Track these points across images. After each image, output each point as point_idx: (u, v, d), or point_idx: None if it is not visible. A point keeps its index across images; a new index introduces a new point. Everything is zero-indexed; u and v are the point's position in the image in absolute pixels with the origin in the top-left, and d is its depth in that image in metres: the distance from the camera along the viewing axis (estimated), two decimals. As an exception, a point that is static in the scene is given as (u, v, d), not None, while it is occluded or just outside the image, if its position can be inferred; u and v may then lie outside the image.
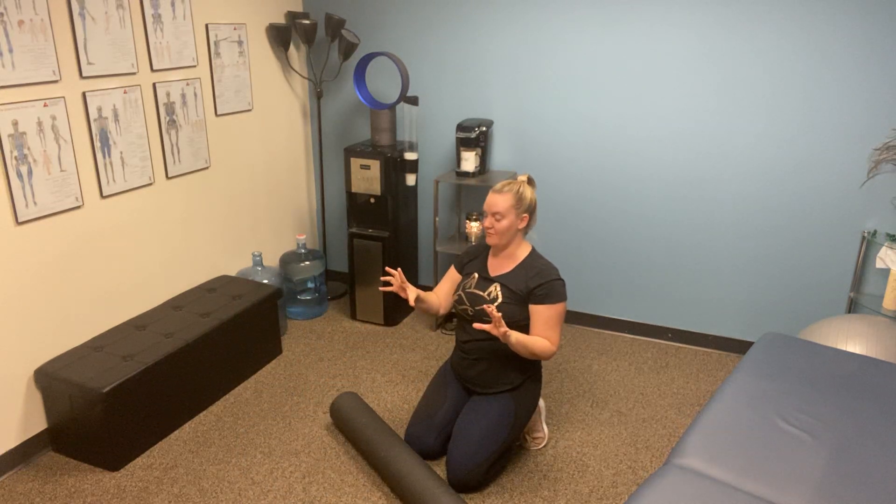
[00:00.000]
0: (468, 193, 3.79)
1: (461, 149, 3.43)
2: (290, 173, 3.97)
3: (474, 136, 3.40)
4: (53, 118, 2.52)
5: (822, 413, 2.05)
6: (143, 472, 2.57)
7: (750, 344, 3.44)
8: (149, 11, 2.86)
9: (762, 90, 3.07)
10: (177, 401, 2.80)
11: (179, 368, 2.78)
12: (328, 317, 3.87)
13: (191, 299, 3.16)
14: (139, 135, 2.90)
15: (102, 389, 2.45)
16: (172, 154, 3.09)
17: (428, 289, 4.02)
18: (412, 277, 3.94)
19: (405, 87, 3.45)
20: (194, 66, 3.15)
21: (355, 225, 3.69)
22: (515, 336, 2.30)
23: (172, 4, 2.97)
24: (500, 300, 2.47)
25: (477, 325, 2.26)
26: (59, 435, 2.64)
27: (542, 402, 2.78)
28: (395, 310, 3.76)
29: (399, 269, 2.47)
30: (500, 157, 3.65)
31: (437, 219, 3.58)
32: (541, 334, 2.42)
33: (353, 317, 3.82)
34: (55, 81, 2.51)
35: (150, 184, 3.00)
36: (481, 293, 2.51)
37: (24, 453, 2.60)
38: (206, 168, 3.31)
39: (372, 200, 3.60)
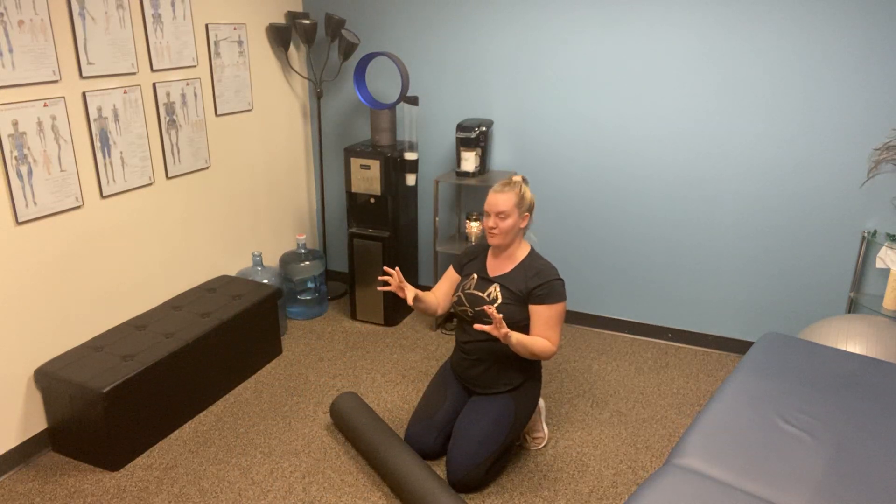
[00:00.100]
0: (468, 193, 3.79)
1: (461, 149, 3.43)
2: (290, 173, 3.97)
3: (474, 136, 3.40)
4: (53, 118, 2.52)
5: (822, 413, 2.05)
6: (143, 472, 2.57)
7: (750, 344, 3.44)
8: (149, 11, 2.86)
9: (762, 90, 3.07)
10: (177, 401, 2.80)
11: (179, 368, 2.78)
12: (328, 317, 3.87)
13: (191, 299, 3.16)
14: (139, 135, 2.90)
15: (102, 389, 2.45)
16: (172, 154, 3.09)
17: (427, 289, 4.02)
18: (412, 277, 3.94)
19: (405, 87, 3.45)
20: (194, 66, 3.15)
21: (355, 225, 3.69)
22: (516, 337, 2.30)
23: (172, 4, 2.97)
24: (499, 301, 2.46)
25: (477, 326, 2.25)
26: (59, 435, 2.64)
27: (542, 402, 2.78)
28: (395, 310, 3.76)
29: (397, 268, 2.46)
30: (500, 157, 3.65)
31: (437, 219, 3.58)
32: (541, 334, 2.41)
33: (353, 317, 3.82)
34: (55, 81, 2.51)
35: (150, 184, 3.00)
36: (481, 294, 2.51)
37: (24, 453, 2.60)
38: (206, 168, 3.31)
39: (372, 200, 3.60)
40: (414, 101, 3.53)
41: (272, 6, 3.61)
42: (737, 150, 3.18)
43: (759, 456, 1.85)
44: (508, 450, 2.55)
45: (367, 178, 3.53)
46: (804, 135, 3.06)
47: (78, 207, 2.68)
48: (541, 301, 2.42)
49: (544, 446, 2.72)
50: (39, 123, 2.47)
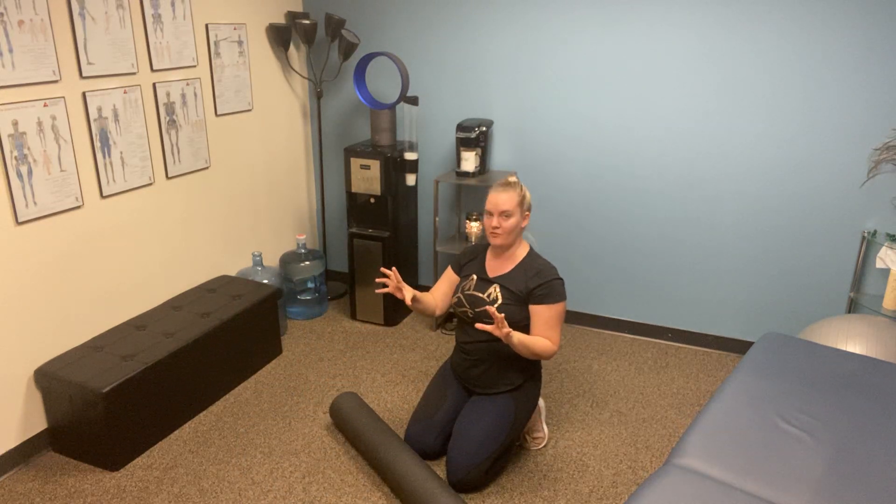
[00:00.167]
0: (468, 193, 3.79)
1: (461, 149, 3.43)
2: (290, 173, 3.97)
3: (474, 136, 3.40)
4: (53, 118, 2.52)
5: (822, 413, 2.05)
6: (143, 472, 2.57)
7: (750, 344, 3.44)
8: (149, 11, 2.86)
9: (762, 90, 3.07)
10: (177, 401, 2.80)
11: (179, 368, 2.78)
12: (328, 317, 3.87)
13: (191, 299, 3.16)
14: (139, 135, 2.90)
15: (102, 389, 2.45)
16: (172, 154, 3.09)
17: (427, 289, 4.02)
18: (412, 277, 3.94)
19: (405, 87, 3.45)
20: (194, 66, 3.15)
21: (355, 225, 3.69)
22: (517, 336, 2.30)
23: (172, 4, 2.97)
24: (499, 301, 2.46)
25: (479, 326, 2.25)
26: (59, 435, 2.64)
27: (542, 402, 2.78)
28: (395, 310, 3.76)
29: (394, 268, 2.46)
30: (500, 157, 3.65)
31: (437, 219, 3.58)
32: (542, 334, 2.41)
33: (353, 317, 3.82)
34: (55, 81, 2.51)
35: (150, 184, 3.00)
36: (481, 295, 2.51)
37: (24, 453, 2.60)
38: (206, 168, 3.31)
39: (372, 200, 3.60)
40: (414, 101, 3.53)
41: (272, 6, 3.61)
42: (737, 150, 3.18)
43: (759, 456, 1.85)
44: (508, 450, 2.55)
45: (367, 178, 3.53)
46: (804, 135, 3.06)
47: (78, 207, 2.68)
48: (541, 301, 2.42)
49: (544, 446, 2.72)
50: (39, 123, 2.47)
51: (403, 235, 3.74)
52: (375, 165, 3.48)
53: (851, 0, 2.82)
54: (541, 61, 3.41)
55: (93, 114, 2.67)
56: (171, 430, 2.80)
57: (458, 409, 2.60)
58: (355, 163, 3.53)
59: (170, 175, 3.09)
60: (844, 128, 2.98)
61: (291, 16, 3.69)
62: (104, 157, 2.76)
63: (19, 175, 2.43)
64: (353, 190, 3.59)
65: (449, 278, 2.67)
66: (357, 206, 3.65)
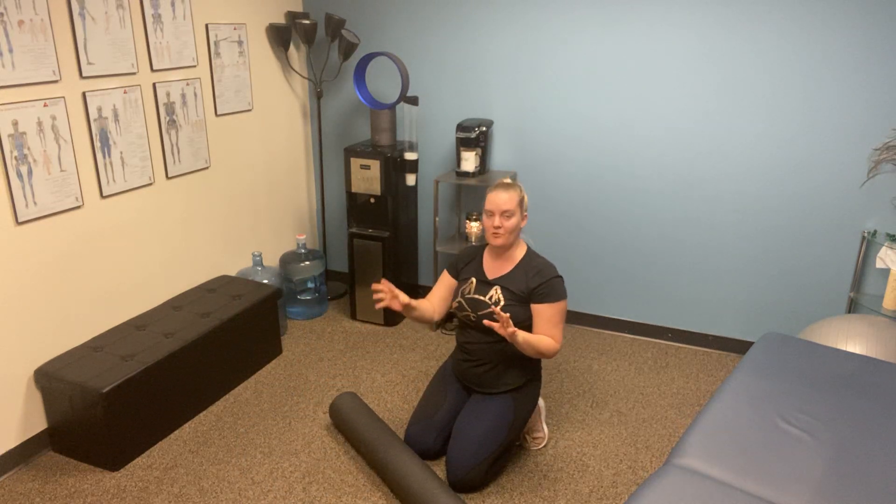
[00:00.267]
0: (468, 193, 3.79)
1: (461, 149, 3.43)
2: (290, 173, 3.97)
3: (474, 136, 3.40)
4: (53, 118, 2.52)
5: (822, 413, 2.05)
6: (143, 472, 2.57)
7: (750, 344, 3.44)
8: (149, 11, 2.86)
9: (762, 90, 3.07)
10: (177, 401, 2.80)
11: (179, 368, 2.78)
12: (328, 317, 3.87)
13: (191, 299, 3.16)
14: (139, 135, 2.90)
15: (102, 389, 2.45)
16: (172, 154, 3.09)
17: (428, 289, 4.02)
18: (412, 277, 3.94)
19: (405, 87, 3.45)
20: (194, 66, 3.15)
21: (355, 225, 3.69)
22: (522, 335, 2.30)
23: (172, 4, 2.97)
24: (502, 303, 2.46)
25: (487, 322, 2.26)
26: (59, 435, 2.64)
27: (541, 402, 2.78)
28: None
29: (384, 280, 2.43)
30: (500, 157, 3.65)
31: (437, 219, 3.58)
32: (545, 332, 2.41)
33: (353, 317, 3.82)
34: (55, 81, 2.51)
35: (150, 184, 3.00)
36: (482, 298, 2.50)
37: (24, 453, 2.60)
38: (206, 168, 3.31)
39: (372, 200, 3.60)
40: (414, 101, 3.53)
41: (272, 6, 3.61)
42: (737, 150, 3.18)
43: (759, 456, 1.85)
44: (508, 450, 2.55)
45: (367, 178, 3.53)
46: (804, 135, 3.06)
47: (78, 207, 2.68)
48: (543, 300, 2.42)
49: (544, 446, 2.72)
50: (39, 123, 2.47)
51: (403, 235, 3.74)
52: (375, 165, 3.48)
53: (851, 0, 2.82)
54: (541, 61, 3.41)
55: (93, 114, 2.67)
56: (171, 430, 2.80)
57: (457, 409, 2.60)
58: (355, 163, 3.53)
59: (170, 175, 3.09)
60: (844, 128, 2.98)
61: (291, 16, 3.69)
62: (104, 157, 2.76)
63: (19, 175, 2.43)
64: (353, 190, 3.59)
65: (446, 283, 2.66)
66: (357, 206, 3.65)
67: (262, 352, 3.29)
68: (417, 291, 4.02)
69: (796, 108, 3.03)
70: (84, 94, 2.63)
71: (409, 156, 3.56)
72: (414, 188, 3.77)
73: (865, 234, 3.05)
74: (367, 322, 3.80)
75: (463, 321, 2.57)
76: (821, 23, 2.89)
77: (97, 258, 2.79)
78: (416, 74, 3.70)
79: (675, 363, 3.38)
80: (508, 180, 2.48)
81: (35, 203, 2.50)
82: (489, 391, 2.55)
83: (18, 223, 2.46)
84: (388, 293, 2.40)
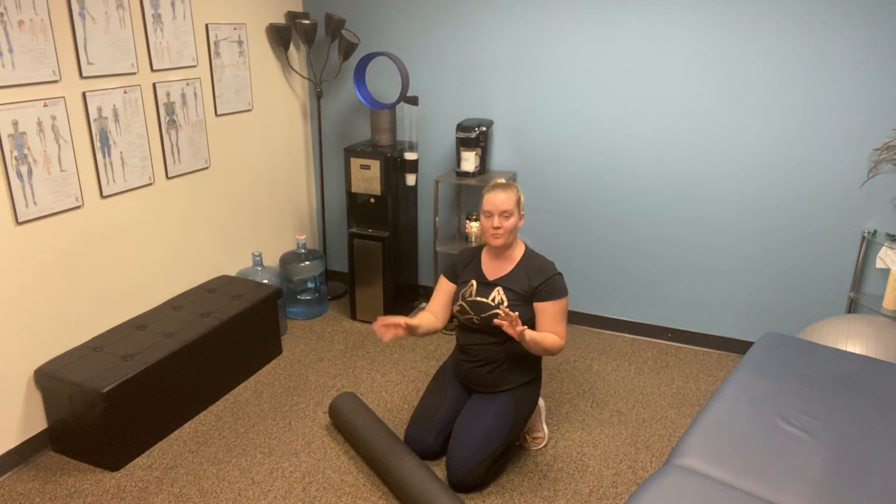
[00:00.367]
0: (468, 193, 3.79)
1: (461, 149, 3.43)
2: (290, 173, 3.97)
3: (474, 136, 3.40)
4: (53, 118, 2.52)
5: (822, 413, 2.05)
6: (143, 472, 2.57)
7: (750, 344, 3.44)
8: (149, 11, 2.86)
9: (762, 90, 3.07)
10: (177, 401, 2.80)
11: (179, 368, 2.78)
12: (328, 317, 3.87)
13: (191, 299, 3.16)
14: (139, 135, 2.90)
15: (102, 389, 2.45)
16: (172, 154, 3.09)
17: (427, 289, 4.02)
18: (412, 277, 3.94)
19: (405, 87, 3.45)
20: (194, 66, 3.15)
21: (355, 225, 3.69)
22: (530, 334, 2.30)
23: (172, 4, 2.97)
24: (505, 303, 2.45)
25: (497, 322, 2.27)
26: (59, 435, 2.64)
27: (542, 402, 2.78)
28: (395, 310, 3.76)
29: (378, 317, 2.37)
30: (500, 157, 3.65)
31: (437, 219, 3.58)
32: (549, 329, 2.42)
33: (353, 317, 3.82)
34: (55, 81, 2.51)
35: (150, 184, 3.00)
36: (485, 300, 2.49)
37: (24, 453, 2.60)
38: (206, 168, 3.31)
39: (372, 200, 3.60)
40: (414, 101, 3.53)
41: (272, 6, 3.61)
42: (737, 150, 3.18)
43: (759, 456, 1.85)
44: (508, 450, 2.55)
45: (367, 178, 3.53)
46: (804, 135, 3.06)
47: (78, 207, 2.68)
48: (546, 298, 2.42)
49: (544, 446, 2.72)
50: (39, 123, 2.47)
51: (403, 235, 3.74)
52: (375, 165, 3.48)
53: (851, 0, 2.82)
54: (541, 61, 3.41)
55: (93, 114, 2.67)
56: (171, 430, 2.80)
57: (457, 409, 2.60)
58: (355, 163, 3.53)
59: (170, 175, 3.09)
60: (844, 128, 2.98)
61: (291, 16, 3.69)
62: (104, 157, 2.76)
63: (19, 175, 2.43)
64: (353, 190, 3.59)
65: (445, 289, 2.63)
66: (357, 206, 3.65)
67: (262, 352, 3.29)
68: (417, 291, 4.02)
69: (796, 108, 3.03)
70: (84, 94, 2.63)
71: (409, 156, 3.56)
72: (414, 188, 3.77)
73: (865, 234, 3.05)
74: (367, 322, 3.80)
75: (465, 324, 2.56)
76: (821, 23, 2.89)
77: (97, 258, 2.79)
78: (416, 74, 3.70)
79: (675, 363, 3.38)
80: (503, 180, 2.48)
81: (35, 203, 2.50)
82: (491, 391, 2.55)
83: (18, 223, 2.46)
84: (390, 328, 2.36)
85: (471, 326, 2.54)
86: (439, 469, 2.56)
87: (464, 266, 2.62)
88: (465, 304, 2.52)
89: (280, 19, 3.69)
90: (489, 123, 3.51)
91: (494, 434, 2.43)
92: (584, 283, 3.69)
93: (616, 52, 3.26)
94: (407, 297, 3.90)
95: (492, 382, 2.54)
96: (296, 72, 3.87)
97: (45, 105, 2.48)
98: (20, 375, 2.56)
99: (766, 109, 3.08)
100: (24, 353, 2.56)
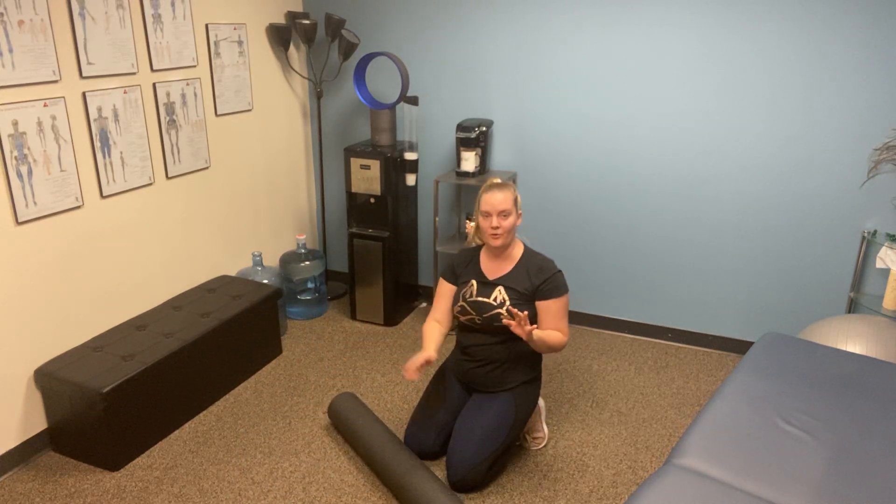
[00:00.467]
0: (468, 193, 3.79)
1: (461, 149, 3.43)
2: (290, 173, 3.97)
3: (474, 136, 3.40)
4: (53, 118, 2.52)
5: (822, 413, 2.05)
6: (143, 472, 2.57)
7: (750, 344, 3.44)
8: (149, 11, 2.86)
9: (762, 90, 3.07)
10: (177, 401, 2.80)
11: (179, 368, 2.78)
12: (328, 317, 3.87)
13: (191, 299, 3.16)
14: (139, 135, 2.90)
15: (102, 389, 2.45)
16: (172, 154, 3.09)
17: (427, 289, 4.02)
18: (412, 277, 3.94)
19: (405, 87, 3.45)
20: (194, 66, 3.15)
21: (355, 225, 3.69)
22: (537, 333, 2.31)
23: (172, 4, 2.97)
24: (507, 303, 2.45)
25: (505, 321, 2.27)
26: (59, 435, 2.64)
27: (541, 402, 2.78)
28: (395, 310, 3.76)
29: (406, 370, 2.40)
30: (500, 157, 3.65)
31: (437, 219, 3.58)
32: (552, 327, 2.43)
33: (353, 317, 3.82)
34: (55, 81, 2.51)
35: (150, 184, 3.00)
36: (486, 300, 2.49)
37: (24, 453, 2.60)
38: (206, 168, 3.31)
39: (372, 200, 3.60)
40: (414, 101, 3.53)
41: (272, 6, 3.61)
42: (737, 150, 3.18)
43: (759, 456, 1.85)
44: (508, 449, 2.55)
45: (367, 178, 3.53)
46: (804, 135, 3.06)
47: (78, 207, 2.68)
48: (549, 296, 2.42)
49: (544, 446, 2.72)
50: (39, 123, 2.47)
51: (403, 235, 3.74)
52: (375, 165, 3.48)
53: (851, 0, 2.82)
54: (541, 61, 3.41)
55: (93, 114, 2.67)
56: (171, 430, 2.80)
57: (457, 409, 2.60)
58: (355, 163, 3.53)
59: (170, 175, 3.09)
60: (844, 128, 2.98)
61: (291, 16, 3.69)
62: (104, 157, 2.76)
63: (19, 175, 2.43)
64: (353, 190, 3.59)
65: (447, 293, 2.62)
66: (357, 206, 3.65)
67: (262, 352, 3.29)
68: (417, 291, 4.02)
69: (796, 108, 3.03)
70: (84, 94, 2.63)
71: (409, 156, 3.56)
72: (414, 188, 3.77)
73: (865, 234, 3.05)
74: (367, 322, 3.80)
75: (467, 324, 2.56)
76: (821, 23, 2.89)
77: (97, 258, 2.79)
78: (416, 74, 3.70)
79: (675, 363, 3.38)
80: (499, 180, 2.48)
81: (35, 203, 2.50)
82: (491, 390, 2.55)
83: (18, 223, 2.46)
84: (419, 369, 2.40)
85: (472, 327, 2.54)
86: (439, 469, 2.56)
87: (463, 267, 2.61)
88: (466, 305, 2.52)
89: (280, 19, 3.69)
90: (489, 123, 3.51)
91: (494, 434, 2.43)
92: (584, 282, 3.69)
93: (616, 52, 3.26)
94: (407, 296, 3.90)
95: (492, 382, 2.54)
96: (296, 72, 3.87)
97: (45, 105, 2.48)
98: (20, 375, 2.56)
99: (766, 109, 3.08)
100: (24, 353, 2.56)
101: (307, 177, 4.13)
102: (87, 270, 2.76)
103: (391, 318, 3.74)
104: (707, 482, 1.76)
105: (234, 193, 3.53)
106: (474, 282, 2.55)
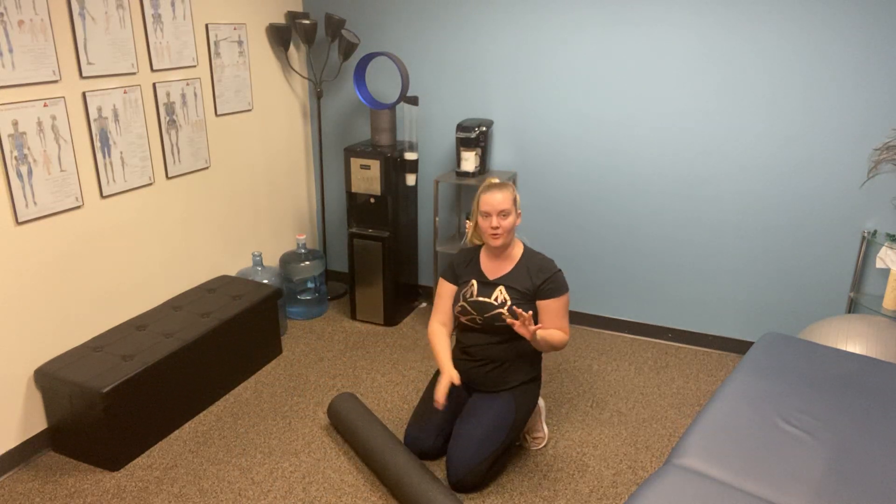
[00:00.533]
0: (468, 193, 3.79)
1: (461, 149, 3.43)
2: (290, 173, 3.97)
3: (474, 136, 3.40)
4: (53, 118, 2.52)
5: (822, 413, 2.05)
6: (143, 472, 2.57)
7: (750, 344, 3.44)
8: (149, 11, 2.86)
9: (762, 90, 3.07)
10: (177, 401, 2.80)
11: (179, 368, 2.78)
12: (328, 317, 3.87)
13: (191, 299, 3.16)
14: (139, 135, 2.90)
15: (102, 389, 2.45)
16: (172, 154, 3.09)
17: (427, 289, 4.02)
18: (412, 277, 3.94)
19: (405, 87, 3.45)
20: (194, 66, 3.15)
21: (355, 225, 3.69)
22: (541, 332, 2.31)
23: (172, 4, 2.97)
24: (508, 303, 2.45)
25: (509, 321, 2.28)
26: (59, 435, 2.64)
27: (542, 402, 2.78)
28: (395, 310, 3.76)
29: (438, 404, 2.43)
30: (500, 157, 3.65)
31: (437, 219, 3.58)
32: (554, 326, 2.43)
33: (353, 317, 3.82)
34: (55, 81, 2.51)
35: (150, 184, 3.00)
36: (488, 300, 2.49)
37: (24, 453, 2.60)
38: (206, 168, 3.31)
39: (372, 200, 3.60)
40: (414, 101, 3.53)
41: (272, 6, 3.61)
42: (737, 150, 3.18)
43: (759, 456, 1.85)
44: (508, 450, 2.55)
45: (367, 178, 3.53)
46: (804, 135, 3.06)
47: (78, 207, 2.68)
48: (550, 295, 2.43)
49: (544, 446, 2.72)
50: (39, 123, 2.47)
51: (403, 235, 3.74)
52: (375, 165, 3.48)
53: (851, 0, 2.82)
54: (541, 61, 3.41)
55: (93, 114, 2.67)
56: (171, 430, 2.80)
57: (457, 409, 2.60)
58: (355, 163, 3.53)
59: (170, 175, 3.09)
60: (844, 128, 2.98)
61: (291, 16, 3.69)
62: (104, 157, 2.76)
63: (19, 175, 2.43)
64: (353, 190, 3.59)
65: (449, 294, 2.61)
66: (357, 206, 3.65)
67: (262, 352, 3.29)
68: (417, 291, 4.02)
69: (796, 108, 3.03)
70: (84, 94, 2.63)
71: (409, 156, 3.56)
72: (414, 188, 3.77)
73: (865, 234, 3.05)
74: (367, 322, 3.80)
75: (468, 324, 2.56)
76: (821, 23, 2.89)
77: (97, 258, 2.79)
78: (416, 74, 3.70)
79: (675, 363, 3.38)
80: (497, 180, 2.48)
81: (35, 203, 2.50)
82: (491, 390, 2.55)
83: (18, 223, 2.46)
84: (446, 394, 2.44)
85: (472, 327, 2.54)
86: (439, 469, 2.56)
87: (463, 266, 2.61)
88: (466, 305, 2.52)
89: (280, 19, 3.69)
90: (489, 123, 3.51)
91: (494, 434, 2.43)
92: (584, 282, 3.69)
93: (616, 52, 3.26)
94: (407, 297, 3.90)
95: (492, 382, 2.54)
96: (296, 72, 3.87)
97: (45, 105, 2.48)
98: (20, 375, 2.56)
99: (766, 109, 3.08)
100: (24, 353, 2.56)
101: (307, 177, 4.13)
102: (87, 270, 2.76)
103: (391, 318, 3.74)
104: (707, 482, 1.76)
105: (234, 193, 3.53)
106: (475, 282, 2.54)
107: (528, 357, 2.54)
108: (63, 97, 2.54)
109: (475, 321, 2.51)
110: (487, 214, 2.42)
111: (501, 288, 2.48)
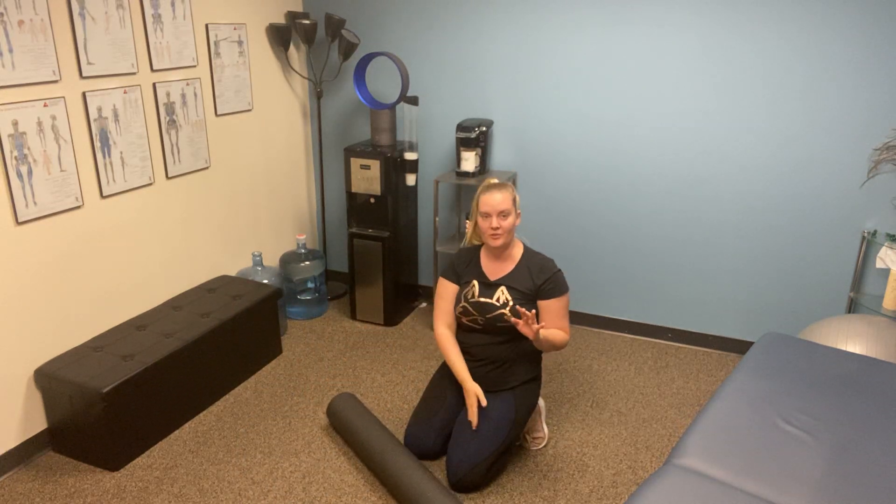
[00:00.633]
0: (468, 193, 3.79)
1: (461, 149, 3.43)
2: (290, 173, 3.97)
3: (474, 136, 3.40)
4: (53, 118, 2.52)
5: (822, 413, 2.05)
6: (143, 472, 2.57)
7: (750, 344, 3.44)
8: (149, 11, 2.86)
9: (762, 90, 3.06)
10: (177, 401, 2.80)
11: (179, 368, 2.78)
12: (328, 317, 3.87)
13: (191, 299, 3.16)
14: (139, 135, 2.90)
15: (102, 389, 2.45)
16: (172, 154, 3.09)
17: (427, 289, 4.02)
18: (412, 277, 3.94)
19: (405, 87, 3.45)
20: (194, 66, 3.15)
21: (355, 225, 3.69)
22: (543, 332, 2.31)
23: (172, 4, 2.97)
24: (510, 303, 2.45)
25: (513, 320, 2.29)
26: (59, 435, 2.64)
27: (542, 402, 2.78)
28: (395, 310, 3.76)
29: (470, 418, 2.44)
30: (500, 157, 3.65)
31: (437, 219, 3.58)
32: (555, 326, 2.43)
33: (353, 317, 3.82)
34: (55, 81, 2.51)
35: (150, 184, 3.00)
36: (489, 300, 2.49)
37: (24, 453, 2.60)
38: (206, 168, 3.31)
39: (372, 200, 3.60)
40: (414, 101, 3.53)
41: (272, 6, 3.61)
42: (737, 150, 3.18)
43: (759, 456, 1.85)
44: (508, 450, 2.55)
45: (367, 178, 3.53)
46: (804, 135, 3.06)
47: (78, 207, 2.68)
48: (550, 295, 2.43)
49: (544, 446, 2.72)
50: (39, 123, 2.47)
51: (403, 235, 3.74)
52: (375, 165, 3.48)
53: (851, 0, 2.82)
54: (541, 61, 3.41)
55: (93, 114, 2.67)
56: (171, 430, 2.80)
57: (457, 409, 2.60)
58: (355, 163, 3.53)
59: (170, 175, 3.09)
60: (844, 128, 2.98)
61: (291, 16, 3.69)
62: (104, 157, 2.76)
63: (19, 175, 2.43)
64: (353, 190, 3.59)
65: (451, 294, 2.61)
66: (357, 206, 3.65)
67: (262, 352, 3.29)
68: (417, 291, 4.02)
69: (796, 108, 3.03)
70: (84, 94, 2.63)
71: (409, 156, 3.56)
72: (414, 188, 3.77)
73: (865, 234, 3.05)
74: (367, 322, 3.80)
75: (469, 325, 2.56)
76: (821, 23, 2.89)
77: (97, 258, 2.79)
78: (416, 74, 3.70)
79: (675, 363, 3.38)
80: (496, 180, 2.48)
81: (35, 203, 2.50)
82: (492, 390, 2.55)
83: (18, 223, 2.46)
84: (476, 411, 2.45)
85: (473, 327, 2.54)
86: (439, 469, 2.56)
87: (463, 266, 2.61)
88: (468, 306, 2.52)
89: (280, 19, 3.69)
90: (489, 123, 3.51)
91: (494, 434, 2.43)
92: (584, 283, 3.69)
93: (616, 52, 3.26)
94: (407, 296, 3.90)
95: (493, 382, 2.54)
96: (296, 72, 3.87)
97: (45, 105, 2.48)
98: (20, 375, 2.56)
99: (766, 109, 3.08)
100: (24, 353, 2.56)
101: (307, 177, 4.13)
102: (87, 270, 2.76)
103: (391, 318, 3.74)
104: (707, 482, 1.76)
105: (234, 193, 3.53)
106: (476, 282, 2.54)
107: (528, 357, 2.54)
108: (63, 97, 2.54)
109: (476, 322, 2.51)
110: (487, 215, 2.42)
111: (503, 288, 2.48)
